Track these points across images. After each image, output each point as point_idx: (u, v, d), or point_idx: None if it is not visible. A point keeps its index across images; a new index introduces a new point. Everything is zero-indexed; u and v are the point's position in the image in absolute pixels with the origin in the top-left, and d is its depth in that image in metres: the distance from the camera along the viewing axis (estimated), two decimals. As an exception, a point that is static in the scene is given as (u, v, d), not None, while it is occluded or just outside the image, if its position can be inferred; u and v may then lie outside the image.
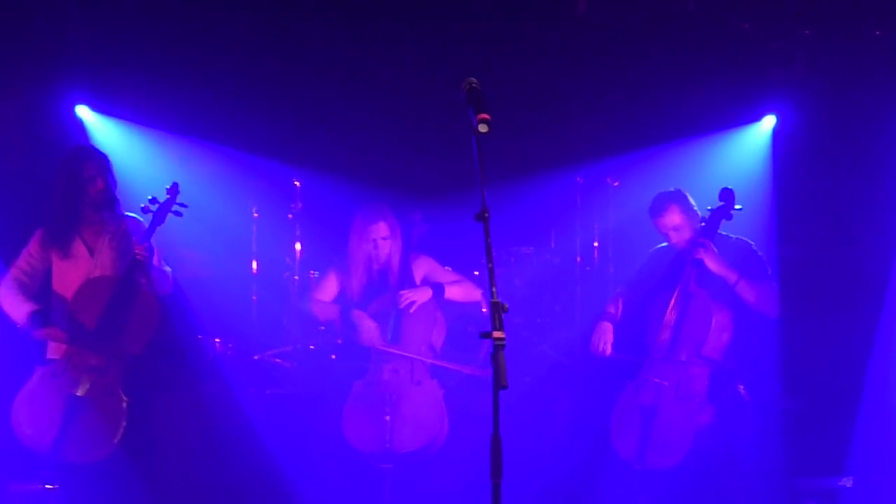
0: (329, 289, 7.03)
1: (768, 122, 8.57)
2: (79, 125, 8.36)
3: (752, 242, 6.91)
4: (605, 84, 8.78)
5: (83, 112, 8.40)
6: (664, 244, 7.03)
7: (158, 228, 6.46)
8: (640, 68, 8.61)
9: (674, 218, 6.74)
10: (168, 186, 6.58)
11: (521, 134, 8.81)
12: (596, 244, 8.98)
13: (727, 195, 6.73)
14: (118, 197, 6.50)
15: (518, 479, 6.60)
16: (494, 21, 8.49)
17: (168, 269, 6.61)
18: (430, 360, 6.78)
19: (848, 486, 7.48)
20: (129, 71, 8.32)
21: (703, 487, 6.53)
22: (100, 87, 8.33)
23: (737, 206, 6.73)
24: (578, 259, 8.96)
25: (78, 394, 6.08)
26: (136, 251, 6.29)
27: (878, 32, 8.35)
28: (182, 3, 8.29)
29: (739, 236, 6.90)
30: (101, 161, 6.46)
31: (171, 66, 8.43)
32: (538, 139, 9.03)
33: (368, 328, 6.75)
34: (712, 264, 6.60)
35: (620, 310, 7.03)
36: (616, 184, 8.86)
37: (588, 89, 8.86)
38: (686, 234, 6.76)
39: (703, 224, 6.74)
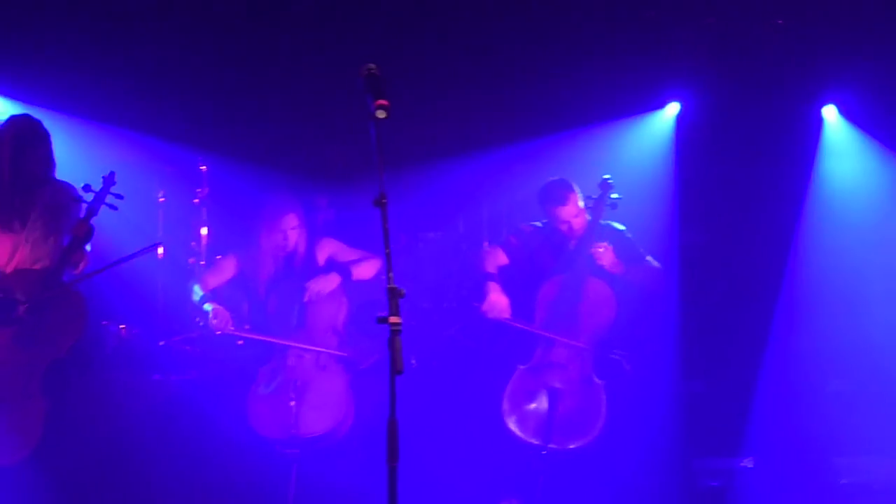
0: (224, 272, 7.03)
1: (672, 110, 8.69)
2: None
3: (624, 228, 7.07)
4: (511, 70, 8.80)
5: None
6: (537, 223, 7.18)
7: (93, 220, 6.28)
8: (545, 54, 8.65)
9: (572, 208, 6.88)
10: (105, 175, 6.42)
11: (429, 119, 8.83)
12: (504, 230, 9.03)
13: (602, 185, 6.97)
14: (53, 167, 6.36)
15: (423, 462, 6.67)
16: (398, 5, 8.49)
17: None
18: (290, 343, 6.78)
19: (749, 466, 7.63)
20: (30, 53, 8.18)
21: (604, 467, 6.64)
22: (3, 70, 8.18)
23: (613, 195, 6.90)
24: (486, 244, 9.01)
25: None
26: (76, 230, 6.14)
27: (780, 21, 8.48)
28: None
29: (609, 222, 7.04)
30: (47, 138, 6.33)
31: (75, 49, 8.30)
32: (447, 124, 9.04)
33: (218, 314, 6.73)
34: (608, 263, 6.76)
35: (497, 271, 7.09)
36: (523, 169, 8.92)
37: (494, 75, 8.88)
38: (581, 222, 6.89)
39: (590, 218, 6.88)
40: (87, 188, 6.32)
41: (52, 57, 8.23)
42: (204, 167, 8.71)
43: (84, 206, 6.29)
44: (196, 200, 8.71)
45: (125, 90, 8.43)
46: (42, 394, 5.99)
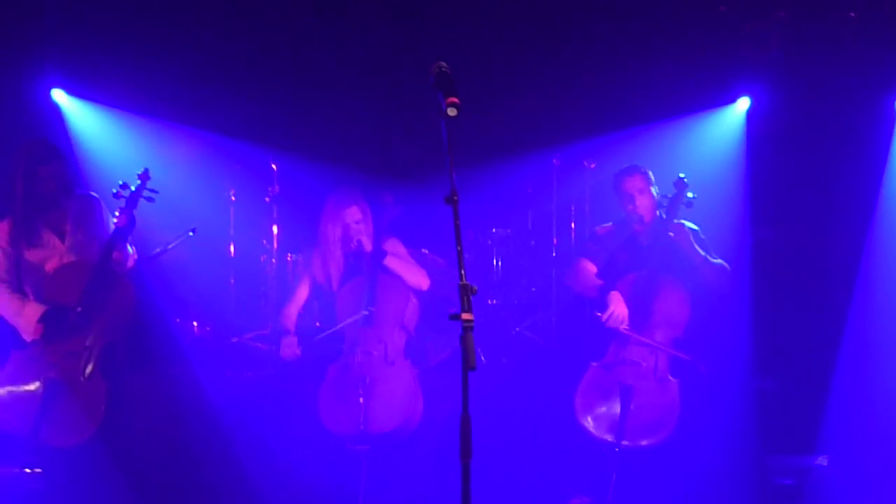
0: (300, 296, 7.09)
1: (743, 104, 8.59)
2: (55, 109, 8.35)
3: (698, 228, 7.02)
4: (580, 66, 8.80)
5: (59, 96, 8.39)
6: (608, 224, 7.20)
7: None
8: (615, 50, 8.64)
9: (637, 181, 6.90)
10: (139, 172, 6.59)
11: (498, 116, 8.86)
12: (573, 226, 9.02)
13: (678, 184, 6.89)
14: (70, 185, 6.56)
15: (494, 459, 6.66)
16: (469, 3, 8.50)
17: (132, 249, 6.63)
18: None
19: (823, 464, 7.54)
20: (105, 55, 8.30)
21: (678, 465, 6.60)
22: (75, 70, 8.31)
23: (689, 195, 6.87)
24: (555, 241, 9.00)
25: (86, 374, 6.12)
26: (116, 221, 6.37)
27: (851, 14, 8.38)
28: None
29: (683, 222, 7.00)
30: (57, 160, 6.48)
31: (148, 50, 8.42)
32: (515, 121, 9.06)
33: (288, 344, 6.86)
34: (685, 242, 6.77)
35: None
36: (592, 166, 8.91)
37: (564, 72, 8.88)
38: (647, 201, 6.89)
39: (665, 217, 6.86)
40: (124, 186, 6.51)
41: (124, 57, 8.35)
42: (275, 166, 8.79)
43: (123, 202, 6.49)
44: (267, 199, 8.80)
45: (196, 90, 8.53)
46: (102, 375, 6.18)
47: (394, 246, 7.04)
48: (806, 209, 8.46)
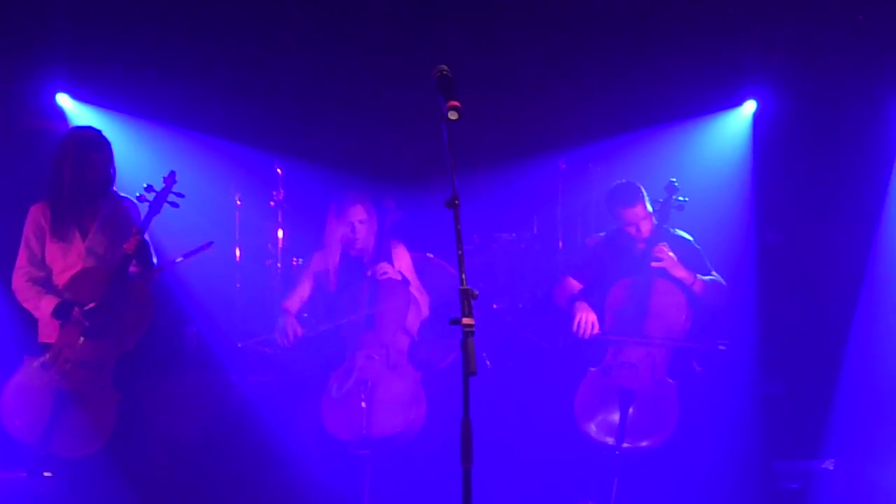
0: (302, 293, 7.08)
1: (749, 107, 8.59)
2: (59, 113, 8.35)
3: (692, 238, 7.01)
4: (587, 70, 8.77)
5: (63, 100, 8.40)
6: (602, 234, 7.20)
7: (154, 218, 6.40)
8: (621, 54, 8.62)
9: (641, 210, 6.85)
10: (165, 175, 6.51)
11: (505, 119, 8.84)
12: (579, 230, 9.00)
13: (668, 188, 6.92)
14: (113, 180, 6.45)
15: (498, 463, 6.64)
16: (471, 6, 8.48)
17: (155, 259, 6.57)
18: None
19: (830, 468, 7.52)
20: (109, 59, 8.31)
21: (682, 469, 6.58)
22: (79, 75, 8.32)
23: (679, 198, 6.87)
24: (560, 245, 8.98)
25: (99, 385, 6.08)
26: (126, 246, 6.23)
27: (859, 16, 8.35)
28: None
29: (678, 232, 7.00)
30: (108, 148, 6.39)
31: (152, 54, 8.42)
32: (521, 125, 9.04)
33: (288, 323, 6.87)
34: (674, 270, 6.75)
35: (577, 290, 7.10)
36: (598, 169, 8.89)
37: (570, 75, 8.85)
38: (648, 225, 6.85)
39: (657, 222, 6.84)
40: (149, 188, 6.43)
41: (128, 61, 8.36)
42: (280, 170, 8.79)
43: (146, 206, 6.42)
44: (272, 203, 8.80)
45: (200, 95, 8.53)
46: (114, 386, 6.12)
47: (406, 258, 7.03)
48: (812, 212, 8.43)
